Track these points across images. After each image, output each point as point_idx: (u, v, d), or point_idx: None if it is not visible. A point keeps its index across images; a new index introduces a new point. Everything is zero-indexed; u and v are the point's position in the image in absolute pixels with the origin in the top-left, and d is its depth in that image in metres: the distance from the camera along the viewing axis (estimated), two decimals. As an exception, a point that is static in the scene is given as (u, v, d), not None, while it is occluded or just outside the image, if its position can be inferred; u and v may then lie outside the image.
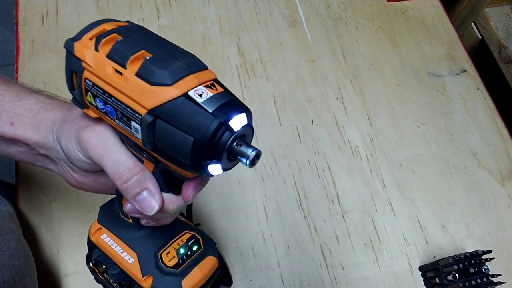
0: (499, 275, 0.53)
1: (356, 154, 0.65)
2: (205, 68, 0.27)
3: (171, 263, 0.35)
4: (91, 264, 0.38)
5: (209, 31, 0.73)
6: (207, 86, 0.26)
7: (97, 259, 0.37)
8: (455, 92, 0.72)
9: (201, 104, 0.25)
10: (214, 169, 0.27)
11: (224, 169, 0.27)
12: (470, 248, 0.60)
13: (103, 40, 0.27)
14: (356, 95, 0.70)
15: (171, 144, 0.26)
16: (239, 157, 0.26)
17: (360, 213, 0.61)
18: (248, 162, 0.25)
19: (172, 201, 0.32)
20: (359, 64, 0.73)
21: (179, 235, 0.37)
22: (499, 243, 0.61)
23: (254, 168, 0.62)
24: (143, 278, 0.34)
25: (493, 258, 0.54)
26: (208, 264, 0.36)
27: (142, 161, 0.31)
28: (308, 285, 0.56)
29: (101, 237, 0.37)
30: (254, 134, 0.28)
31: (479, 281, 0.52)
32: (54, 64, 0.66)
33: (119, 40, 0.27)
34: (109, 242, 0.36)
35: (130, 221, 0.36)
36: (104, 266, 0.36)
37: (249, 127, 0.27)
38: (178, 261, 0.35)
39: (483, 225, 0.62)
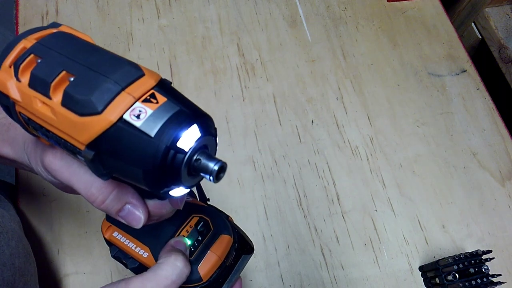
0: (499, 275, 0.54)
1: (356, 154, 0.65)
2: (141, 74, 0.23)
3: None
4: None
5: (209, 31, 0.73)
6: (145, 101, 0.22)
7: (115, 255, 0.36)
8: (455, 92, 0.72)
9: (140, 128, 0.21)
10: (178, 191, 0.24)
11: (189, 187, 0.25)
12: (470, 248, 0.60)
13: (21, 66, 0.23)
14: (356, 95, 0.70)
15: (124, 175, 0.23)
16: (201, 174, 0.23)
17: (360, 213, 0.61)
18: (212, 178, 0.23)
19: (161, 206, 0.31)
20: (359, 64, 0.73)
21: (187, 221, 0.36)
22: (499, 243, 0.61)
23: (254, 168, 0.62)
24: None
25: (493, 258, 0.54)
26: (221, 243, 0.35)
27: None
28: (308, 285, 0.56)
29: (113, 234, 0.36)
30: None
31: (479, 281, 0.52)
32: (54, 64, 0.66)
33: (38, 62, 0.23)
34: (121, 239, 0.36)
35: None
36: (124, 261, 0.36)
37: (207, 136, 0.23)
38: (190, 249, 0.34)
39: (483, 225, 0.62)
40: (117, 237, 0.36)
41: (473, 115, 0.71)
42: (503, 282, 0.54)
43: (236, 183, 0.61)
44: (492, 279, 0.53)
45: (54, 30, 0.25)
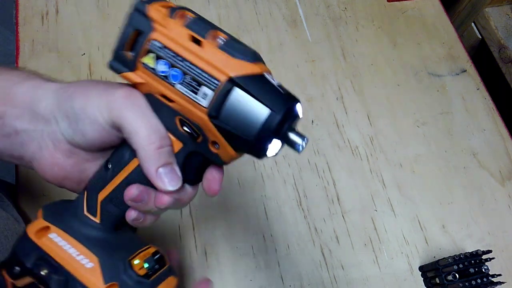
0: (499, 275, 0.53)
1: (356, 154, 0.65)
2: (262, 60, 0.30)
3: (141, 272, 0.32)
4: (7, 273, 0.32)
5: (209, 31, 0.73)
6: (270, 75, 0.29)
7: (37, 262, 0.31)
8: (455, 92, 0.72)
9: (276, 86, 0.28)
10: (274, 146, 0.28)
11: (281, 147, 0.29)
12: (470, 248, 0.60)
13: (178, 12, 0.28)
14: (356, 95, 0.70)
15: (240, 115, 0.27)
16: (298, 139, 0.28)
17: (360, 213, 0.61)
18: (304, 143, 0.28)
19: (187, 192, 0.32)
20: (359, 64, 0.73)
21: (145, 247, 0.34)
22: (499, 243, 0.61)
23: (254, 168, 0.62)
24: (106, 285, 0.30)
25: (493, 258, 0.54)
26: (171, 282, 0.34)
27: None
28: (308, 285, 0.56)
29: (49, 236, 0.32)
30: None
31: (479, 281, 0.52)
32: (54, 64, 0.66)
33: (192, 16, 0.29)
34: (60, 242, 0.32)
35: (97, 220, 0.33)
36: (46, 272, 0.31)
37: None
38: (147, 272, 0.32)
39: (483, 225, 0.62)
40: (54, 240, 0.32)
41: (473, 115, 0.70)
42: (503, 282, 0.54)
43: (236, 183, 0.61)
44: (492, 279, 0.53)
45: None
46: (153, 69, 0.29)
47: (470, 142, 0.68)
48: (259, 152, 0.28)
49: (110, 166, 0.32)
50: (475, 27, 0.91)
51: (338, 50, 0.74)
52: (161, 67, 0.28)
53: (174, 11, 0.28)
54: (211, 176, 0.32)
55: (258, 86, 0.27)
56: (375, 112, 0.69)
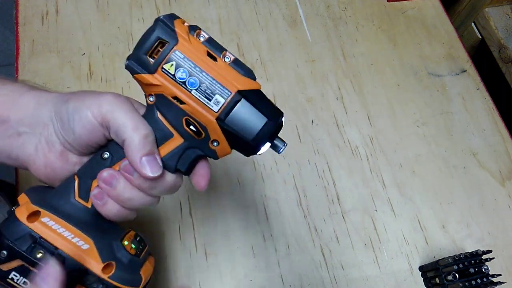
0: (499, 275, 0.53)
1: (356, 154, 0.65)
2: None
3: (132, 252, 0.36)
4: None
5: (209, 31, 0.72)
6: None
7: (32, 245, 0.31)
8: (455, 92, 0.72)
9: (270, 100, 0.35)
10: (264, 147, 0.34)
11: (269, 147, 0.35)
12: (470, 248, 0.60)
13: (196, 31, 0.34)
14: (356, 95, 0.70)
15: (243, 120, 0.33)
16: (280, 143, 0.35)
17: (360, 213, 0.61)
18: (284, 147, 0.35)
19: (173, 178, 0.36)
20: (359, 64, 0.73)
21: (128, 231, 0.38)
22: (499, 243, 0.61)
23: (254, 168, 0.62)
24: (104, 264, 0.33)
25: (493, 258, 0.54)
26: (152, 260, 0.39)
27: (172, 135, 0.35)
28: (308, 285, 0.56)
29: (42, 220, 0.32)
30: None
31: (479, 281, 0.52)
32: (54, 64, 0.66)
33: (206, 35, 0.34)
34: (54, 226, 0.32)
35: (89, 205, 0.35)
36: (41, 254, 0.31)
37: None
38: (136, 252, 0.36)
39: (483, 225, 0.62)
40: (47, 224, 0.32)
41: (473, 115, 0.70)
42: (503, 282, 0.54)
43: (236, 183, 0.61)
44: (492, 279, 0.53)
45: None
46: (173, 75, 0.33)
47: (470, 142, 0.68)
48: (253, 151, 0.34)
49: (108, 155, 0.35)
50: (475, 27, 0.91)
51: (338, 50, 0.74)
52: (180, 74, 0.33)
53: (192, 28, 0.34)
54: (200, 174, 0.37)
55: (258, 99, 0.34)
56: (375, 112, 0.69)
